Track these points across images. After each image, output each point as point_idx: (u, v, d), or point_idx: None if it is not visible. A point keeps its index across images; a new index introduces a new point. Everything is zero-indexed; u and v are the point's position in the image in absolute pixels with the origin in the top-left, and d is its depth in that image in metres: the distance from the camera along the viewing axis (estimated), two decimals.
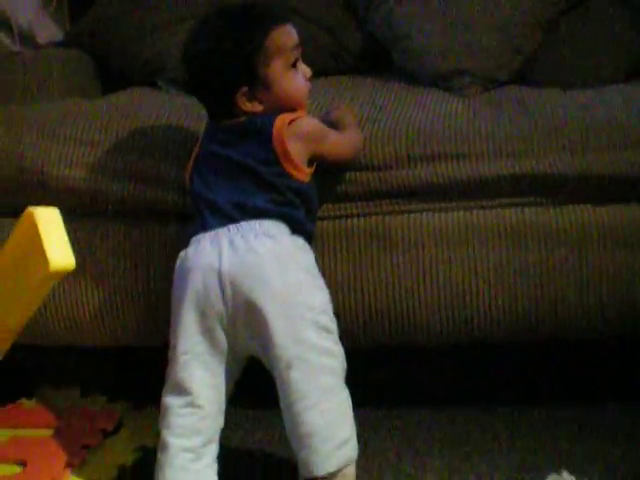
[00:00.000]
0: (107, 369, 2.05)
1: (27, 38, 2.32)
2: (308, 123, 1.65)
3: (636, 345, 1.85)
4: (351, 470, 1.54)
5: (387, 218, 1.74)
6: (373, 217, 1.74)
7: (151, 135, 1.80)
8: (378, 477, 1.61)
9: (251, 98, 1.61)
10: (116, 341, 1.86)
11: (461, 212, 1.74)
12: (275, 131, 1.58)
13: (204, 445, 1.55)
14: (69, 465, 1.69)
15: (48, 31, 2.35)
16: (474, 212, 1.73)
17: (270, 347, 1.52)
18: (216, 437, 1.57)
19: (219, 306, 1.53)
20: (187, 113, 1.84)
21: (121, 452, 1.74)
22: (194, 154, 1.67)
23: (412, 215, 1.74)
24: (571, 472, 1.53)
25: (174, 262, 1.70)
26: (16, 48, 2.29)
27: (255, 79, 1.60)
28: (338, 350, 1.56)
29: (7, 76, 2.17)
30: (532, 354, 1.92)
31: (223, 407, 1.59)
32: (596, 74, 2.04)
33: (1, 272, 1.13)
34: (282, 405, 1.54)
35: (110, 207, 1.79)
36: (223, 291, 1.52)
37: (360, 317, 1.75)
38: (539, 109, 1.81)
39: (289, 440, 1.55)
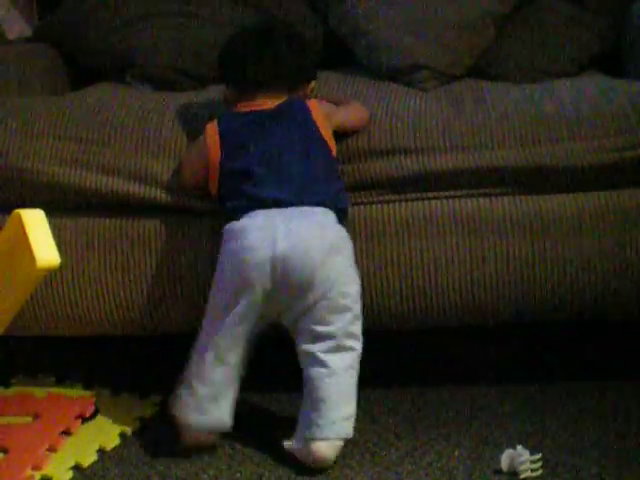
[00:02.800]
0: (82, 357, 2.09)
1: None
2: (325, 103, 1.83)
3: (589, 327, 1.94)
4: (340, 445, 1.65)
5: (350, 209, 1.79)
6: None
7: (128, 129, 1.84)
8: (345, 456, 1.66)
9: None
10: (92, 331, 1.90)
11: (419, 203, 1.80)
12: (313, 111, 1.76)
13: (223, 391, 1.68)
14: (50, 450, 1.72)
15: (17, 27, 2.37)
16: (432, 203, 1.80)
17: (304, 322, 1.65)
18: (236, 384, 1.69)
19: (267, 283, 1.63)
20: (162, 107, 1.88)
21: (100, 437, 1.77)
22: (216, 147, 1.74)
23: (373, 206, 1.80)
24: (525, 447, 1.60)
25: (152, 254, 1.79)
26: None
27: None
28: (361, 337, 1.68)
29: None
30: (491, 337, 2.00)
31: (244, 360, 1.69)
32: (549, 68, 2.13)
33: None
34: (303, 368, 1.67)
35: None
36: (273, 271, 1.62)
37: None
38: (493, 103, 1.87)
39: (303, 401, 1.66)
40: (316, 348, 1.65)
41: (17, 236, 1.13)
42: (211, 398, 1.68)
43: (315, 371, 1.65)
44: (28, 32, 2.39)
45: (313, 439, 1.62)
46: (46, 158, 1.82)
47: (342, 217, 1.72)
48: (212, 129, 1.76)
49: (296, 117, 1.75)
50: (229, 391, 1.69)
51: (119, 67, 2.24)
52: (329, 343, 1.64)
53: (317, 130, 1.74)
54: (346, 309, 1.65)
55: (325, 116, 1.77)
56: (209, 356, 1.67)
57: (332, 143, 1.76)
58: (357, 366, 1.67)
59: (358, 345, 1.67)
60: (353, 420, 1.66)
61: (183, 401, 1.70)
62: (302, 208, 1.67)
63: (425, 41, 2.10)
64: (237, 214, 1.68)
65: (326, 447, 1.62)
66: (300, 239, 1.63)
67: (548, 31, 2.19)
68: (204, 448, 1.69)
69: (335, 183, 1.74)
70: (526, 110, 1.84)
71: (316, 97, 1.85)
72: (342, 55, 2.25)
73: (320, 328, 1.64)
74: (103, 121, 1.86)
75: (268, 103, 1.77)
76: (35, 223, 1.14)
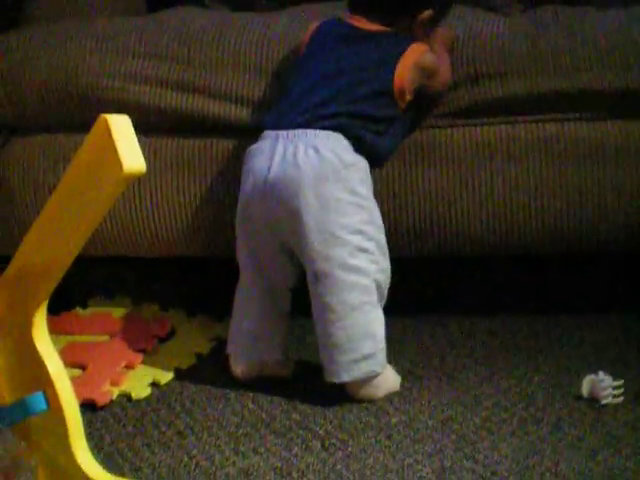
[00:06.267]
0: (158, 279, 2.10)
1: None
2: (432, 58, 1.69)
3: None
4: (378, 382, 1.60)
5: (431, 132, 1.78)
6: (418, 132, 1.78)
7: (206, 49, 1.82)
8: (423, 379, 1.66)
9: (423, 26, 1.70)
10: (170, 252, 1.91)
11: (502, 126, 1.77)
12: (405, 55, 1.64)
13: (265, 323, 1.67)
14: (127, 367, 1.74)
15: None
16: (514, 127, 1.77)
17: (303, 258, 1.60)
18: (276, 318, 1.69)
19: (262, 209, 1.60)
20: (241, 27, 1.86)
21: (176, 356, 1.79)
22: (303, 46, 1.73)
23: (455, 129, 1.78)
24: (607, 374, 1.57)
25: (228, 175, 1.78)
26: None
27: (440, 13, 1.72)
28: (374, 269, 1.59)
29: None
30: (570, 264, 1.96)
31: (282, 297, 1.69)
32: None
33: (74, 178, 1.17)
34: (313, 312, 1.62)
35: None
36: (266, 197, 1.59)
37: (404, 227, 1.79)
38: (578, 28, 1.81)
39: (319, 342, 1.62)
40: (318, 289, 1.58)
41: (103, 141, 1.12)
42: (253, 330, 1.67)
43: (320, 315, 1.59)
44: None
45: (335, 383, 1.60)
46: (126, 76, 1.82)
47: (362, 149, 1.63)
48: (310, 29, 1.74)
49: (380, 55, 1.65)
50: (272, 323, 1.67)
51: None
52: (328, 282, 1.56)
53: (390, 80, 1.63)
54: (344, 242, 1.56)
55: (418, 70, 1.66)
56: (243, 289, 1.69)
57: (404, 94, 1.65)
58: (371, 298, 1.59)
59: (365, 280, 1.58)
60: (378, 355, 1.59)
61: (231, 333, 1.70)
62: (309, 131, 1.59)
63: None
64: (259, 134, 1.66)
65: (353, 388, 1.59)
66: (291, 164, 1.57)
67: None
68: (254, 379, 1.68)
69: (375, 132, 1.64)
70: (613, 33, 1.78)
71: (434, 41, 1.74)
72: None
73: (317, 265, 1.57)
74: (183, 39, 1.84)
75: (371, 26, 1.68)
76: (122, 128, 1.13)
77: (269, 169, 1.58)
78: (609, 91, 1.74)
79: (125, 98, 1.82)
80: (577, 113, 1.77)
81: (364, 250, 1.58)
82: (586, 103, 1.76)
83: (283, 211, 1.58)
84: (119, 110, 1.75)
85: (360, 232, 1.59)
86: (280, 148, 1.59)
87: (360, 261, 1.58)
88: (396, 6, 1.68)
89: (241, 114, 1.80)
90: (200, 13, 2.00)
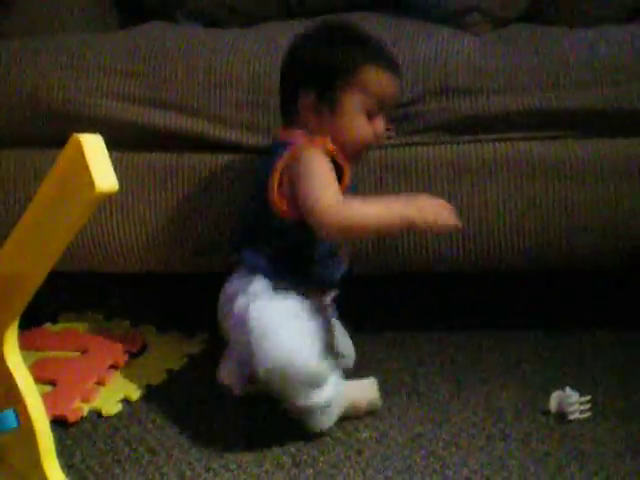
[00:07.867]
0: (129, 295, 2.10)
1: None
2: (308, 156, 1.53)
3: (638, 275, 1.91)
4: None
5: (401, 150, 1.79)
6: (388, 149, 1.79)
7: (177, 66, 1.83)
8: (393, 395, 1.67)
9: (317, 112, 1.57)
10: (140, 268, 1.91)
11: (472, 145, 1.79)
12: (279, 160, 1.54)
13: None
14: (98, 384, 1.73)
15: None
16: (484, 145, 1.79)
17: None
18: None
19: None
20: (210, 44, 1.86)
21: (147, 372, 1.79)
22: None
23: (424, 147, 1.79)
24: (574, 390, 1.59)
25: (199, 190, 1.79)
26: None
27: (326, 93, 1.56)
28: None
29: (26, 10, 2.16)
30: (539, 282, 1.98)
31: None
32: (602, 14, 2.09)
33: (46, 197, 1.17)
34: None
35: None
36: None
37: (375, 244, 1.80)
38: (547, 46, 1.84)
39: None
40: None
41: (75, 160, 1.13)
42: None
43: None
44: None
45: None
46: (98, 93, 1.83)
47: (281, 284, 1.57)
48: None
49: (268, 162, 1.57)
50: None
51: (168, 5, 2.23)
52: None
53: (265, 187, 1.55)
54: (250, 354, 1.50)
55: (292, 170, 1.53)
56: None
57: (282, 203, 1.53)
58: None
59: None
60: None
61: None
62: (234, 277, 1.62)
63: None
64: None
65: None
66: (223, 311, 1.62)
67: None
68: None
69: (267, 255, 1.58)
70: (581, 53, 1.81)
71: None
72: None
73: None
74: (155, 56, 1.85)
75: (282, 133, 1.64)
76: (94, 148, 1.14)
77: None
78: (578, 110, 1.77)
79: (97, 114, 1.82)
80: (546, 132, 1.79)
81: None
82: (555, 121, 1.78)
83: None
84: (91, 126, 1.80)
85: (248, 348, 1.52)
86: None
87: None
88: (281, 98, 1.64)
89: (212, 130, 1.80)
90: (171, 30, 2.00)
